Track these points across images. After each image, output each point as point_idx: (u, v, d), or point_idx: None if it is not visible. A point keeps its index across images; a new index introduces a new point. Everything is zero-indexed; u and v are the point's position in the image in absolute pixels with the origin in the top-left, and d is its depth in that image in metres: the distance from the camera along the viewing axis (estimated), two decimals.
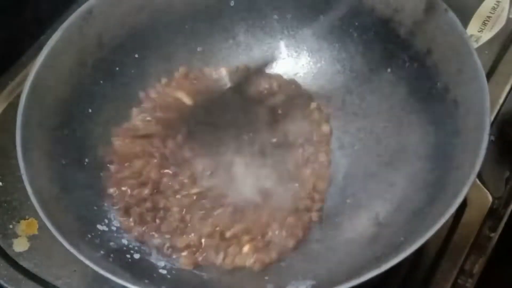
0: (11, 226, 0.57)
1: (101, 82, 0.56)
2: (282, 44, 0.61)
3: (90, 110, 0.55)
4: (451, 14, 0.51)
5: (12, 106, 0.63)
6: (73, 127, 0.53)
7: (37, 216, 0.57)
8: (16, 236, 0.57)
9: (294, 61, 0.61)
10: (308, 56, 0.61)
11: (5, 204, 0.58)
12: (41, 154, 0.49)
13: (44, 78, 0.51)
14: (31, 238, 0.57)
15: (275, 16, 0.60)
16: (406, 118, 0.55)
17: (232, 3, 0.59)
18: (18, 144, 0.47)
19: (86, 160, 0.53)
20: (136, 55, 0.58)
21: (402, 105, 0.55)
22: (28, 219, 0.58)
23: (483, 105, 0.47)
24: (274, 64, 0.62)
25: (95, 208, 0.52)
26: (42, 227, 0.57)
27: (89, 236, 0.48)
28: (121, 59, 0.57)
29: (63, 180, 0.50)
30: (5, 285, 0.54)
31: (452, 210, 0.43)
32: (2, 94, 0.65)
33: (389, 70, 0.56)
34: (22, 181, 0.57)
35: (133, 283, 0.42)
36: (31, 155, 0.48)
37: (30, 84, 0.50)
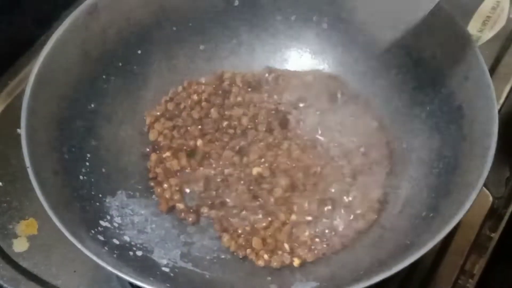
0: (10, 226, 0.57)
1: (104, 77, 0.56)
2: (284, 45, 0.61)
3: (92, 105, 0.55)
4: (457, 20, 0.51)
5: (12, 107, 0.63)
6: (76, 121, 0.53)
7: (37, 216, 0.58)
8: (15, 236, 0.57)
9: (296, 63, 0.61)
10: (311, 58, 0.61)
11: (5, 204, 0.58)
12: (46, 147, 0.49)
13: (48, 71, 0.51)
14: (30, 238, 0.56)
15: (279, 17, 0.60)
16: (409, 122, 0.55)
17: (236, 3, 0.59)
18: (23, 138, 0.47)
19: (88, 155, 0.53)
20: (139, 51, 0.58)
21: (406, 110, 0.55)
22: (27, 219, 0.57)
23: (491, 112, 0.47)
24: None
25: (97, 204, 0.51)
26: (42, 227, 0.57)
27: (93, 232, 0.48)
28: (124, 55, 0.57)
29: (66, 174, 0.50)
30: (5, 285, 0.54)
31: (459, 216, 0.43)
32: (1, 94, 0.65)
33: (393, 74, 0.56)
34: (22, 181, 0.57)
35: (141, 281, 0.42)
36: (36, 148, 0.47)
37: (34, 77, 0.49)
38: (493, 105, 0.47)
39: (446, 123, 0.51)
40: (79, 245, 0.42)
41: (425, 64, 0.53)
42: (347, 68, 0.59)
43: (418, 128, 0.54)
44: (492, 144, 0.45)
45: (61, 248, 0.55)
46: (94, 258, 0.42)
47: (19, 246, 0.56)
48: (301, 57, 0.61)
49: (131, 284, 0.52)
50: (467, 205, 0.43)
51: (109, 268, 0.42)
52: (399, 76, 0.56)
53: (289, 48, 0.61)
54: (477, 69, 0.49)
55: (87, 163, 0.52)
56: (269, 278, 0.50)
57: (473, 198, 0.43)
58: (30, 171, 0.45)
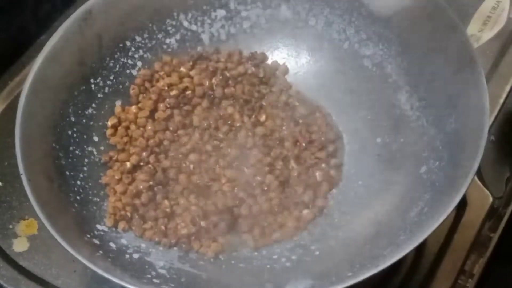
0: (10, 226, 0.57)
1: (101, 83, 0.56)
2: (282, 43, 0.61)
3: (90, 110, 0.55)
4: (451, 14, 0.51)
5: (12, 106, 0.63)
6: (73, 127, 0.53)
7: (36, 216, 0.57)
8: (16, 236, 0.57)
9: (294, 60, 0.61)
10: (308, 55, 0.61)
11: (5, 204, 0.58)
12: (41, 153, 0.49)
13: (44, 77, 0.51)
14: (30, 238, 0.57)
15: (275, 16, 0.60)
16: (405, 117, 0.55)
17: (231, 5, 0.59)
18: (18, 144, 0.47)
19: (86, 160, 0.53)
20: (136, 56, 0.58)
21: (402, 105, 0.55)
22: (27, 219, 0.58)
23: (482, 105, 0.47)
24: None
25: (94, 207, 0.52)
26: (41, 227, 0.57)
27: (88, 236, 0.48)
28: (120, 60, 0.57)
29: (62, 180, 0.50)
30: (5, 285, 0.54)
31: (450, 209, 0.43)
32: (1, 94, 0.65)
33: (389, 68, 0.57)
34: (21, 181, 0.57)
35: (132, 284, 0.42)
36: (31, 154, 0.48)
37: (30, 83, 0.50)
38: (484, 97, 0.47)
39: (442, 117, 0.51)
40: (71, 250, 0.43)
41: (420, 59, 0.53)
42: (345, 64, 0.59)
43: (415, 122, 0.54)
44: (483, 136, 0.45)
45: (61, 248, 0.54)
46: (86, 262, 0.43)
47: (19, 246, 0.56)
48: (298, 55, 0.61)
49: None
50: (457, 199, 0.43)
51: (101, 272, 0.43)
52: (395, 71, 0.56)
53: (287, 46, 0.61)
54: (469, 61, 0.49)
55: (85, 168, 0.53)
56: (265, 277, 0.50)
57: (462, 192, 0.43)
58: (23, 178, 0.46)
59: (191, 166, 0.55)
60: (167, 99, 0.57)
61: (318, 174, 0.55)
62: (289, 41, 0.61)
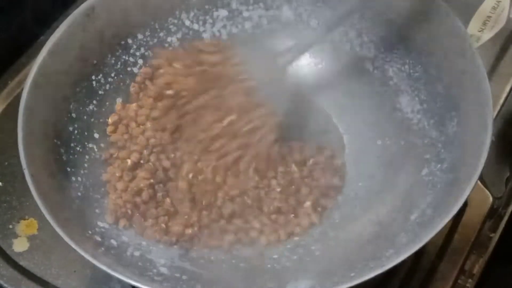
0: (10, 226, 0.57)
1: (102, 79, 0.56)
2: (283, 45, 0.61)
3: (91, 107, 0.55)
4: (453, 15, 0.51)
5: (12, 106, 0.63)
6: (75, 123, 0.53)
7: (36, 216, 0.58)
8: (15, 236, 0.57)
9: (295, 62, 0.61)
10: (309, 57, 0.61)
11: (5, 204, 0.58)
12: (43, 149, 0.49)
13: (46, 73, 0.51)
14: (30, 238, 0.57)
15: (277, 17, 0.60)
16: (406, 120, 0.55)
17: (234, 5, 0.59)
18: (20, 138, 0.47)
19: (87, 157, 0.53)
20: (137, 53, 0.58)
21: (403, 106, 0.56)
22: (27, 219, 0.58)
23: (486, 108, 0.47)
24: None
25: (95, 204, 0.52)
26: (42, 227, 0.57)
27: (90, 232, 0.48)
28: (122, 57, 0.57)
29: (64, 176, 0.50)
30: (5, 285, 0.54)
31: (453, 212, 0.43)
32: (1, 94, 0.65)
33: (390, 71, 0.57)
34: (21, 181, 0.57)
35: (135, 280, 0.42)
36: (33, 150, 0.48)
37: (32, 78, 0.50)
38: (488, 100, 0.47)
39: (444, 119, 0.51)
40: (74, 246, 0.43)
41: (422, 61, 0.53)
42: (345, 66, 0.59)
43: (416, 124, 0.54)
44: (487, 139, 0.45)
45: (61, 248, 0.55)
46: (90, 258, 0.43)
47: (19, 246, 0.56)
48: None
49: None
50: (460, 202, 0.43)
51: (104, 268, 0.42)
52: (397, 73, 0.56)
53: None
54: (473, 64, 0.49)
55: (86, 165, 0.53)
56: (266, 277, 0.50)
57: (466, 196, 0.43)
58: (26, 173, 0.46)
59: (190, 175, 0.54)
60: (165, 99, 0.57)
61: (319, 176, 0.55)
62: (291, 42, 0.61)
